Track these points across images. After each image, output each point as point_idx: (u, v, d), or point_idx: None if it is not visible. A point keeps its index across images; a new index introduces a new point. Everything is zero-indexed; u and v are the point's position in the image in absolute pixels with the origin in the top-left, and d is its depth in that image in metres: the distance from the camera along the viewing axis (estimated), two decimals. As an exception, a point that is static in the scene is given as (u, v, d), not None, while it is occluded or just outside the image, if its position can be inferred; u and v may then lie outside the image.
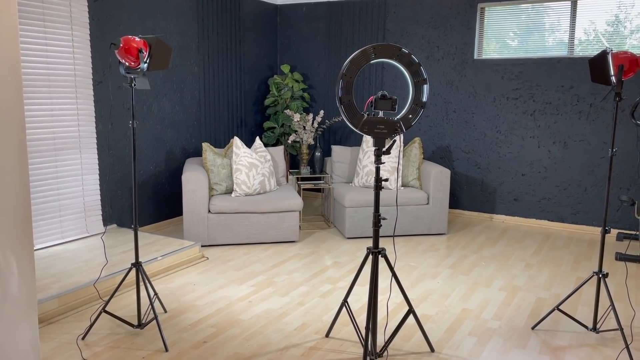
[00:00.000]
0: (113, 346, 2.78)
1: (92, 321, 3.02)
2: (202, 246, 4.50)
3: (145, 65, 2.76)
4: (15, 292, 2.19)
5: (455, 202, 5.69)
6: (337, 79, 2.56)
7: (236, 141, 4.69)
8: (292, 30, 6.41)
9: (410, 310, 2.71)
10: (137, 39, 2.73)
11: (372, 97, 2.61)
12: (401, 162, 4.97)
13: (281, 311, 3.25)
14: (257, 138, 4.93)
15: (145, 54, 2.75)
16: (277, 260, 4.19)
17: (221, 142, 5.79)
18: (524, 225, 5.30)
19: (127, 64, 2.76)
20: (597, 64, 2.77)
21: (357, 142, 6.15)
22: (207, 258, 4.22)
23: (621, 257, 4.21)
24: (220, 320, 3.11)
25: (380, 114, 2.63)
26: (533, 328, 3.05)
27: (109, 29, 4.42)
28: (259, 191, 4.70)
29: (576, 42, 4.93)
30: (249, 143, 6.15)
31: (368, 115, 2.60)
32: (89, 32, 4.23)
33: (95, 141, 4.38)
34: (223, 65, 5.67)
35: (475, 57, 5.39)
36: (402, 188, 4.96)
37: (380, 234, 4.81)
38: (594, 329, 2.99)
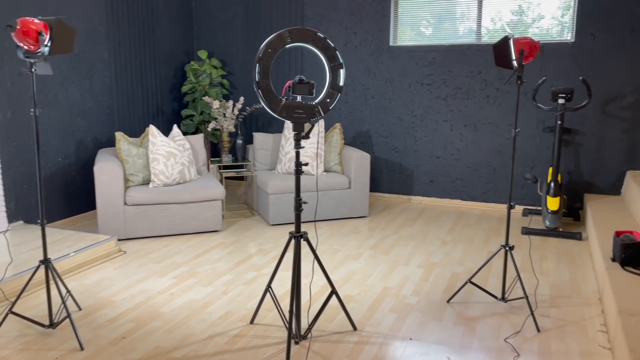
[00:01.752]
0: (23, 348, 2.61)
1: (-3, 324, 2.81)
2: (119, 240, 4.32)
3: (46, 49, 2.58)
4: None
5: (375, 185, 5.85)
6: (254, 63, 2.53)
7: (152, 130, 4.52)
8: (209, 16, 6.24)
9: (333, 292, 2.76)
10: (36, 20, 2.54)
11: (289, 81, 2.61)
12: (322, 147, 5.02)
13: (204, 301, 3.20)
14: (175, 126, 4.78)
15: (46, 36, 2.57)
16: (200, 251, 4.11)
17: (136, 132, 5.55)
18: (440, 205, 5.55)
19: (25, 47, 2.56)
20: (500, 49, 2.93)
21: (279, 128, 6.14)
22: (125, 252, 4.05)
23: (526, 231, 4.53)
24: (140, 315, 3.01)
25: (299, 98, 2.63)
26: (448, 301, 3.21)
27: (6, 10, 4.08)
28: (178, 181, 4.57)
29: (484, 30, 5.19)
30: (167, 132, 5.95)
31: (286, 99, 2.60)
32: (-19, 13, 3.88)
33: (-5, 132, 4.05)
34: (136, 51, 5.43)
35: (391, 43, 5.53)
36: (325, 173, 5.02)
37: (304, 219, 4.85)
38: (503, 298, 3.20)
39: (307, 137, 2.64)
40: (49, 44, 2.59)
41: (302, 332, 2.78)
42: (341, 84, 2.68)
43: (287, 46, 2.55)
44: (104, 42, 5.04)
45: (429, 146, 5.54)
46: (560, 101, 4.41)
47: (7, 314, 2.69)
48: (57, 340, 2.69)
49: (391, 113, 5.64)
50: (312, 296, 3.29)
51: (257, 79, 2.54)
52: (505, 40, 2.90)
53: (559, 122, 4.46)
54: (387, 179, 5.78)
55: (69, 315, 2.67)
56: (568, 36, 4.91)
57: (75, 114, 4.80)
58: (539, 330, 2.84)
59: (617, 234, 3.31)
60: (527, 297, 2.98)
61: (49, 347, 2.63)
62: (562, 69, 4.90)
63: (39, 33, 2.54)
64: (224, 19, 6.17)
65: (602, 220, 4.11)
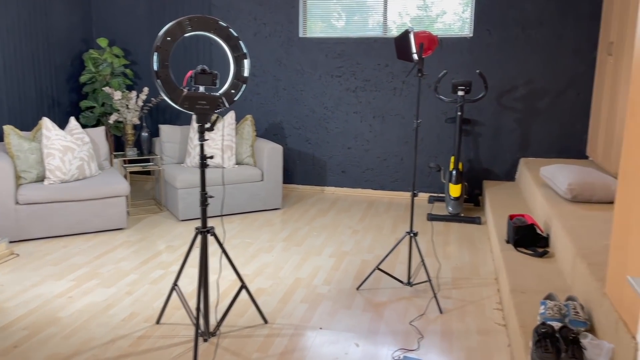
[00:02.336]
0: None
1: None
2: (10, 242, 3.98)
3: None
4: None
5: (289, 177, 5.85)
6: (152, 52, 2.42)
7: (46, 123, 4.20)
8: (109, 2, 5.89)
9: (243, 286, 2.72)
10: None
11: (191, 71, 2.52)
12: (233, 139, 4.93)
13: (106, 303, 3.04)
14: (72, 118, 4.47)
15: None
16: (102, 250, 3.89)
17: (29, 125, 5.14)
18: (352, 195, 5.66)
19: None
20: (401, 43, 3.02)
21: (188, 120, 5.95)
22: (18, 255, 3.75)
23: (431, 217, 4.74)
24: (35, 321, 2.80)
25: (202, 89, 2.55)
26: (358, 288, 3.29)
27: None
28: (77, 177, 4.29)
29: (391, 23, 5.33)
30: (63, 125, 5.56)
31: (188, 90, 2.51)
32: None
33: None
34: (26, 38, 5.00)
35: (301, 35, 5.53)
36: (237, 166, 4.94)
37: (214, 213, 4.74)
38: (409, 283, 3.33)
39: (211, 129, 2.57)
40: None
41: (211, 329, 2.72)
42: (246, 74, 2.63)
43: (187, 35, 2.46)
44: (-13, 27, 4.60)
45: (340, 137, 5.62)
46: (460, 93, 4.64)
47: None
48: None
49: (303, 105, 5.66)
50: (222, 292, 3.22)
51: (155, 69, 2.43)
52: (405, 34, 2.99)
53: (458, 113, 4.69)
54: (300, 170, 5.80)
55: (-53, 328, 2.42)
56: (467, 31, 5.17)
57: (-45, 105, 4.35)
58: (441, 312, 2.98)
59: (511, 217, 3.55)
60: (430, 281, 3.12)
61: None
62: (462, 63, 5.16)
63: None
64: (126, 5, 5.86)
65: (499, 205, 4.39)
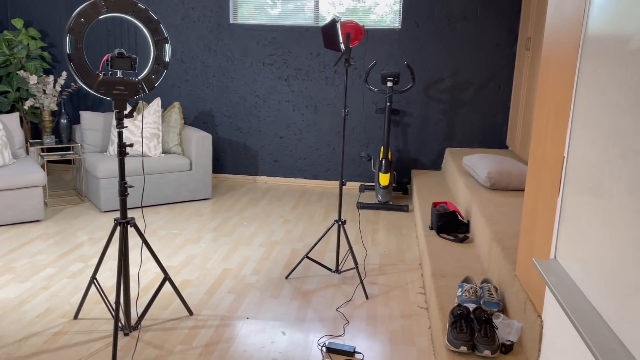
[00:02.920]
0: None
1: None
2: None
3: None
4: None
5: (219, 166, 5.75)
6: (64, 34, 2.28)
7: (-49, 107, 3.88)
8: (24, -22, 5.51)
9: (166, 278, 2.66)
10: None
11: (107, 55, 2.41)
12: (159, 127, 4.77)
13: (20, 299, 2.87)
14: (-19, 103, 4.16)
15: None
16: (17, 244, 3.66)
17: None
18: (284, 184, 5.66)
19: None
20: (328, 32, 3.03)
21: (111, 107, 5.69)
22: None
23: (361, 206, 4.82)
24: (-64, 322, 2.60)
25: (119, 74, 2.44)
26: (287, 277, 3.29)
27: None
28: (-13, 166, 4.01)
29: (325, 13, 5.33)
30: (-26, 110, 5.17)
31: (104, 75, 2.39)
32: None
33: None
34: None
35: (231, 21, 5.42)
36: (163, 155, 4.79)
37: (137, 204, 4.59)
38: (337, 270, 3.37)
39: (130, 115, 2.47)
40: None
41: (133, 323, 2.63)
42: (167, 59, 2.55)
43: (102, 17, 2.34)
44: None
45: (272, 126, 5.58)
46: (389, 84, 4.73)
47: None
48: None
49: (234, 92, 5.56)
50: (146, 285, 3.13)
51: (68, 52, 2.30)
52: (332, 23, 2.99)
53: (387, 104, 4.79)
54: (231, 159, 5.72)
55: None
56: (397, 23, 5.27)
57: None
58: (367, 297, 3.05)
59: (434, 204, 3.68)
60: (357, 268, 3.18)
61: None
62: (391, 54, 5.26)
63: None
64: (43, -17, 5.50)
65: (425, 193, 4.53)
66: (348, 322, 2.77)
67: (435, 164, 5.44)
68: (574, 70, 1.76)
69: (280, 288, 3.14)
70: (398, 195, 5.39)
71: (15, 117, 4.43)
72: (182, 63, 5.54)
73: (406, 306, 2.96)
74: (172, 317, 2.75)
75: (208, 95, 5.59)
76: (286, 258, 3.61)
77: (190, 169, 4.79)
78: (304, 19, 5.37)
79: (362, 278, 3.31)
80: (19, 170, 4.02)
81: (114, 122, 4.71)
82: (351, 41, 3.06)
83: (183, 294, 3.01)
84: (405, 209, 4.77)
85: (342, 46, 3.03)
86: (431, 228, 3.60)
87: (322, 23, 5.36)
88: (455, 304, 2.44)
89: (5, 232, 3.87)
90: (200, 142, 4.80)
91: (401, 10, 5.17)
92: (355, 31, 3.04)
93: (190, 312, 2.79)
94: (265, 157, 5.66)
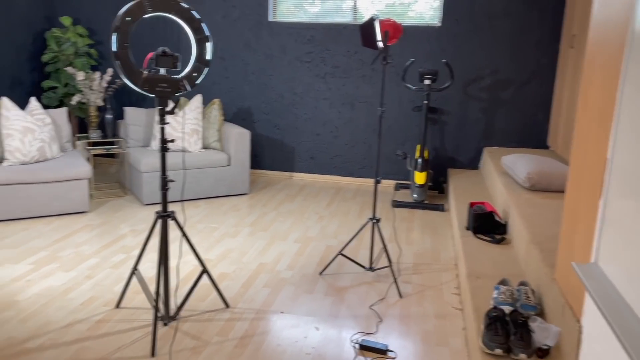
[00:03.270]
0: None
1: None
2: (-34, 225, 3.88)
3: None
4: None
5: (257, 162, 5.83)
6: (111, 32, 2.37)
7: (5, 103, 4.08)
8: (73, -22, 5.72)
9: (204, 271, 2.73)
10: None
11: (151, 53, 2.48)
12: (200, 123, 4.88)
13: (65, 287, 3.00)
14: (33, 99, 4.35)
15: None
16: (63, 234, 3.82)
17: (-12, 104, 4.97)
18: (320, 181, 5.69)
19: None
20: (366, 30, 3.03)
21: (154, 103, 5.85)
22: (-26, 238, 3.66)
23: (396, 204, 4.80)
24: (-11, 306, 2.75)
25: (163, 71, 2.51)
26: (321, 274, 3.32)
27: None
28: (37, 159, 4.19)
29: (363, 10, 5.33)
30: (24, 105, 5.40)
31: (148, 72, 2.47)
32: None
33: None
34: (-16, 13, 4.82)
35: (270, 19, 5.48)
36: (203, 150, 4.90)
37: (177, 198, 4.70)
38: (370, 268, 3.38)
39: (172, 112, 2.54)
40: None
41: (172, 313, 2.72)
42: (208, 57, 2.60)
43: (147, 16, 2.41)
44: (-58, 1, 4.41)
45: (309, 123, 5.62)
46: (426, 82, 4.69)
47: None
48: None
49: (272, 90, 5.62)
50: (184, 277, 3.22)
51: (114, 50, 2.38)
52: (370, 22, 3.00)
53: (425, 102, 4.75)
54: (268, 156, 5.79)
55: None
56: (437, 20, 5.21)
57: None
58: (400, 296, 3.04)
59: (471, 204, 3.63)
60: (391, 266, 3.17)
61: None
62: (430, 52, 5.20)
63: None
64: (91, -17, 5.69)
65: (461, 192, 4.48)
66: (381, 320, 2.78)
67: (473, 163, 5.36)
68: (619, 70, 1.72)
69: (315, 284, 3.17)
70: (434, 195, 5.34)
71: (63, 112, 4.62)
72: (222, 60, 5.64)
73: (440, 306, 2.95)
74: (209, 309, 2.82)
75: (247, 93, 5.68)
76: (320, 254, 3.64)
77: (229, 165, 4.88)
78: (342, 16, 5.38)
79: (396, 276, 3.31)
80: (66, 163, 4.19)
81: (157, 117, 4.85)
82: (389, 39, 3.05)
83: (220, 287, 3.08)
84: (441, 208, 4.72)
85: (380, 44, 3.03)
86: (467, 228, 3.56)
87: (360, 20, 5.36)
88: (491, 306, 2.41)
89: (52, 223, 4.04)
90: (239, 138, 4.88)
91: (442, 7, 5.11)
92: (393, 29, 3.03)
93: (227, 305, 2.85)
94: (302, 154, 5.71)
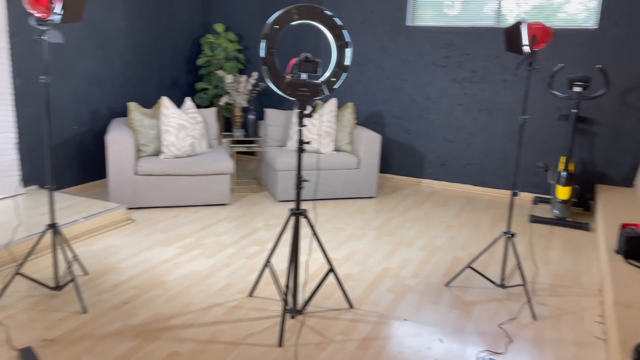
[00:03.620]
0: (29, 308, 2.71)
1: (5, 284, 2.92)
2: (128, 208, 4.41)
3: (57, 17, 2.61)
4: None
5: (386, 166, 5.84)
6: (260, 40, 2.53)
7: (165, 101, 4.56)
8: (227, -12, 6.21)
9: (331, 270, 2.80)
10: (47, -12, 2.57)
11: (294, 59, 2.61)
12: (333, 126, 5.02)
13: (206, 272, 3.27)
14: (188, 99, 4.81)
15: (57, 4, 2.60)
16: (207, 223, 4.17)
17: (150, 103, 5.61)
18: (449, 189, 5.53)
19: (37, 15, 2.60)
20: (512, 34, 2.88)
21: (291, 105, 6.13)
22: (134, 220, 4.14)
23: (534, 219, 4.50)
24: (143, 282, 3.09)
25: (304, 76, 2.63)
26: (447, 285, 3.23)
27: (23, -24, 4.12)
28: (188, 153, 4.62)
29: (506, 12, 5.08)
30: (180, 104, 6.00)
31: (291, 77, 2.60)
32: (0, -21, 3.93)
33: (12, 97, 4.13)
34: (153, 22, 5.45)
35: (408, 23, 5.45)
36: (335, 152, 5.03)
37: (308, 198, 4.88)
38: (502, 285, 3.21)
39: (310, 115, 2.65)
40: (60, 12, 2.62)
41: (299, 307, 2.83)
42: (347, 63, 2.67)
43: (293, 23, 2.54)
44: (120, 11, 5.07)
45: (441, 129, 5.49)
46: (577, 89, 4.32)
47: (14, 275, 2.79)
48: (62, 303, 2.79)
49: (405, 94, 5.59)
50: (311, 273, 3.33)
51: (262, 55, 2.55)
52: (517, 25, 2.84)
53: (573, 111, 4.38)
54: (398, 160, 5.77)
55: (73, 279, 2.76)
56: (592, 23, 4.78)
57: (90, 82, 4.86)
58: (534, 318, 2.85)
59: (623, 226, 3.28)
60: (525, 285, 2.98)
61: (53, 309, 2.72)
62: (582, 57, 4.79)
63: (50, 1, 2.57)
64: (242, -8, 6.13)
65: (611, 211, 4.06)
66: (511, 340, 2.62)
67: (627, 180, 4.83)
68: None
69: (440, 294, 3.10)
70: (578, 212, 4.90)
71: (212, 111, 5.04)
72: (357, 65, 5.74)
73: (580, 334, 2.70)
74: (333, 307, 2.89)
75: (380, 97, 5.71)
76: (447, 265, 3.54)
77: (358, 167, 4.95)
78: (484, 19, 5.17)
79: (530, 296, 3.10)
80: (213, 159, 4.56)
81: (293, 119, 5.09)
82: (537, 44, 2.87)
83: (345, 287, 3.14)
84: (585, 227, 4.32)
85: (527, 49, 2.86)
86: (617, 252, 3.22)
87: (504, 23, 5.11)
88: (642, 341, 2.16)
89: (198, 212, 4.43)
90: (370, 142, 4.93)
91: (600, 8, 4.68)
92: (542, 33, 2.85)
93: (351, 305, 2.90)
94: (432, 160, 5.59)
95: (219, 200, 4.60)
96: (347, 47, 2.65)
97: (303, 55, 2.60)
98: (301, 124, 2.64)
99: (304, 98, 2.62)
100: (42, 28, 2.64)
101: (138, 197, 4.37)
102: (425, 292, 3.13)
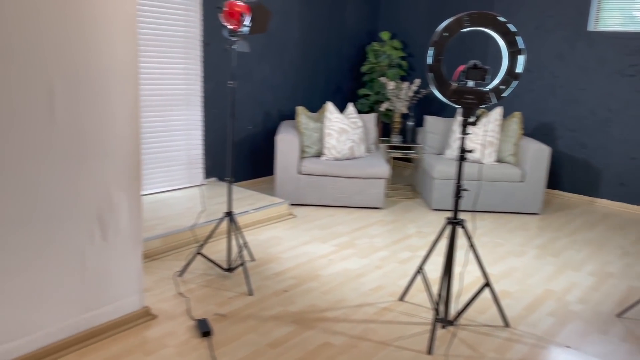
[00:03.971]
0: (204, 285, 3.08)
1: (188, 261, 3.35)
2: (290, 204, 4.73)
3: (246, 29, 2.93)
4: (125, 227, 2.50)
5: (554, 181, 5.42)
6: (428, 47, 2.56)
7: (329, 106, 4.81)
8: (395, -3, 6.32)
9: (487, 284, 2.71)
10: (240, 3, 2.90)
11: (462, 66, 2.58)
12: (496, 135, 4.81)
13: (359, 271, 3.38)
14: (350, 104, 5.00)
15: (247, 17, 2.91)
16: (361, 225, 4.30)
17: (316, 107, 5.94)
18: (629, 211, 4.94)
19: (230, 27, 2.94)
20: None
21: (452, 113, 6.02)
22: (295, 216, 4.43)
23: None
24: (301, 273, 3.30)
25: (470, 83, 2.59)
26: (619, 315, 2.91)
27: (218, -7, 4.68)
28: (347, 156, 4.81)
29: None
30: (342, 109, 6.25)
31: (457, 84, 2.58)
32: (199, -3, 4.51)
33: (200, 99, 4.71)
34: (323, 31, 5.77)
35: (590, 28, 5.00)
36: (496, 163, 4.82)
37: (466, 208, 4.74)
38: (690, 325, 2.79)
39: (474, 123, 2.60)
40: (249, 25, 2.94)
41: (450, 318, 2.79)
42: (519, 70, 2.56)
43: (463, 30, 2.52)
44: (296, 22, 5.46)
45: (624, 145, 4.94)
46: None
47: (196, 254, 3.19)
48: (232, 283, 3.11)
49: (582, 105, 5.14)
50: (465, 285, 3.25)
51: (429, 63, 2.57)
52: None
53: None
54: (568, 176, 5.32)
55: (243, 263, 3.07)
56: None
57: (265, 87, 5.33)
58: None
59: None
60: None
61: (225, 288, 3.05)
62: None
63: (241, 14, 2.89)
64: (410, 0, 6.19)
65: None
66: (699, 390, 2.28)
67: None
68: None
69: (610, 325, 2.80)
70: None
71: (373, 117, 5.17)
72: (528, 73, 5.42)
73: None
74: (487, 323, 2.79)
75: (552, 107, 5.32)
76: (620, 294, 3.18)
77: (522, 181, 4.68)
78: (686, 21, 4.53)
79: None
80: (369, 163, 4.69)
81: (454, 127, 4.99)
82: None
83: (501, 304, 3.01)
84: None
85: None
86: None
87: None
88: None
89: (353, 213, 4.59)
90: (537, 154, 4.62)
91: None
92: None
93: (507, 324, 2.77)
94: (610, 179, 5.05)
95: (373, 203, 4.70)
96: (520, 54, 2.54)
97: (471, 62, 2.56)
98: (464, 132, 2.60)
99: (469, 106, 2.58)
100: (232, 38, 2.98)
101: (300, 194, 4.66)
102: (593, 320, 2.85)
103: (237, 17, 2.89)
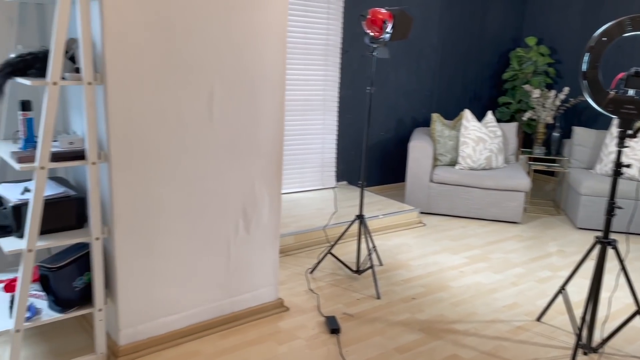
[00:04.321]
0: (333, 284, 3.18)
1: (319, 259, 3.48)
2: (421, 212, 4.68)
3: (388, 35, 2.98)
4: (266, 221, 2.68)
5: None
6: (584, 52, 2.39)
7: (466, 114, 4.68)
8: (543, 1, 5.95)
9: (638, 311, 2.44)
10: (383, 10, 2.96)
11: (622, 73, 2.37)
12: (658, 151, 4.30)
13: (492, 287, 3.24)
14: (489, 112, 4.82)
15: (389, 25, 2.96)
16: (495, 238, 4.12)
17: (451, 114, 5.81)
18: None
19: (371, 34, 3.02)
20: None
21: (605, 125, 5.50)
22: (425, 224, 4.38)
23: None
24: (430, 283, 3.26)
25: (631, 92, 2.37)
26: None
27: (360, 1, 4.79)
28: (484, 166, 4.63)
29: None
30: (479, 117, 6.03)
31: (615, 93, 2.37)
32: (342, 5, 4.66)
33: (336, 105, 4.86)
34: (463, 37, 5.63)
35: None
36: (656, 181, 4.32)
37: (618, 229, 4.30)
38: None
39: (634, 136, 2.37)
40: (390, 32, 2.99)
41: (594, 344, 2.56)
42: (693, 77, 2.28)
43: (625, 35, 2.31)
44: (435, 28, 5.40)
45: None
46: None
47: (327, 253, 3.31)
48: (360, 285, 3.17)
49: None
50: (612, 311, 2.96)
51: (584, 69, 2.39)
52: None
53: None
54: None
55: (372, 267, 3.11)
56: None
57: (399, 94, 5.34)
58: None
59: None
60: None
61: (353, 289, 3.12)
62: None
63: (384, 22, 2.95)
64: (561, 3, 5.79)
65: None
66: None
67: None
68: None
69: None
70: None
71: (513, 126, 4.92)
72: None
73: None
74: (636, 354, 2.51)
75: None
76: None
77: (688, 203, 4.13)
78: None
79: None
80: (507, 175, 4.47)
81: (607, 140, 4.57)
82: None
83: (655, 338, 2.70)
84: None
85: None
86: None
87: None
88: None
89: (487, 226, 4.41)
90: None
91: None
92: None
93: (662, 360, 2.48)
94: None
95: (509, 217, 4.47)
96: (695, 59, 2.27)
97: (633, 69, 2.34)
98: (622, 145, 2.38)
99: (629, 116, 2.36)
100: (373, 45, 3.05)
101: (430, 203, 4.60)
102: None
103: (379, 25, 2.95)
